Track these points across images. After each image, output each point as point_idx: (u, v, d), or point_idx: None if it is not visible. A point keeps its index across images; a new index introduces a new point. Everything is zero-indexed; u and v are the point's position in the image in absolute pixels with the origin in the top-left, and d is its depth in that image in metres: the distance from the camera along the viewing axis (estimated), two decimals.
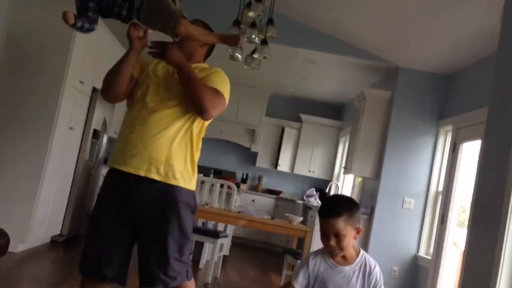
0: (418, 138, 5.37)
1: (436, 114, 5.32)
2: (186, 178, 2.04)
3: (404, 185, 5.32)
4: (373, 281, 1.85)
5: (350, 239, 1.83)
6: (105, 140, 5.64)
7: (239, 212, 4.58)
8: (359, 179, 6.46)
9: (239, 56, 4.11)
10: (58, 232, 4.75)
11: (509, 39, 2.70)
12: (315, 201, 7.12)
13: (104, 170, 6.49)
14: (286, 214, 4.65)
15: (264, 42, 4.03)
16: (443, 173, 5.08)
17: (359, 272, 1.86)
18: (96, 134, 5.29)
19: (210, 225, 4.77)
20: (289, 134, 8.17)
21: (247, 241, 7.38)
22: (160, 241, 1.99)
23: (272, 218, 4.52)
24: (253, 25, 3.96)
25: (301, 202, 7.29)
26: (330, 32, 5.22)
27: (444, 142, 5.27)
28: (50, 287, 3.28)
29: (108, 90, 2.09)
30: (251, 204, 7.45)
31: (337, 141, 8.06)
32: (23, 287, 3.11)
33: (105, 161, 6.98)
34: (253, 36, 3.96)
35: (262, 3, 3.86)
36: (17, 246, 3.94)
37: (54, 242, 4.65)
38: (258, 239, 7.45)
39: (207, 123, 2.13)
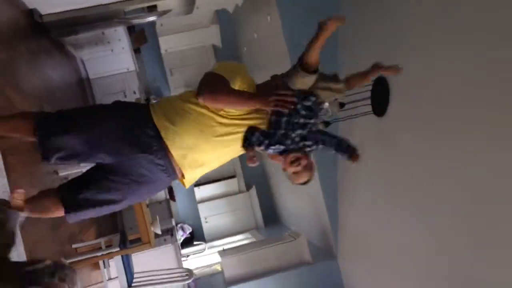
0: None
1: None
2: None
3: None
4: None
5: None
6: (150, 18, 5.57)
7: None
8: (218, 268, 6.41)
9: None
10: (43, 12, 4.59)
11: None
12: (180, 236, 7.04)
13: (120, 30, 6.39)
14: (157, 217, 4.57)
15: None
16: None
17: None
18: (152, 9, 5.24)
19: None
20: (231, 184, 8.15)
21: None
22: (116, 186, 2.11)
23: (148, 206, 4.45)
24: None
25: (173, 223, 7.20)
26: (339, 186, 5.31)
27: None
28: None
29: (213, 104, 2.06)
30: None
31: (244, 231, 8.04)
32: None
33: (129, 27, 6.87)
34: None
35: (338, 109, 3.97)
36: None
37: (30, 14, 4.48)
38: None
39: None
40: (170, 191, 7.82)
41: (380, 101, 3.88)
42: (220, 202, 8.08)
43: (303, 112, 2.12)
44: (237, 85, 2.06)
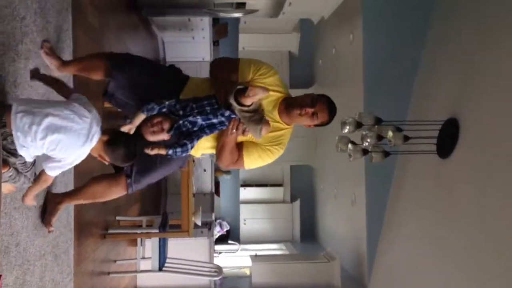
0: None
1: None
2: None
3: None
4: None
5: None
6: (237, 15, 5.69)
7: (194, 161, 4.59)
8: (246, 272, 6.43)
9: (346, 130, 4.11)
10: None
11: None
12: (217, 232, 7.11)
13: (205, 20, 6.54)
14: (200, 209, 4.65)
15: (364, 151, 4.03)
16: None
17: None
18: (240, 6, 5.35)
19: None
20: (276, 192, 8.16)
21: None
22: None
23: (194, 195, 4.53)
24: (379, 137, 3.97)
25: (213, 218, 7.28)
26: (386, 218, 5.20)
27: None
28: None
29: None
30: (201, 170, 7.43)
31: (280, 240, 8.01)
32: None
33: (214, 19, 7.02)
34: (368, 140, 3.96)
35: (403, 143, 3.87)
36: None
37: None
38: (166, 182, 7.44)
39: None
40: (217, 185, 7.92)
41: (447, 142, 3.75)
42: (262, 207, 8.09)
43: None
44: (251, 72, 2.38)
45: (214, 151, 2.47)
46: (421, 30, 4.35)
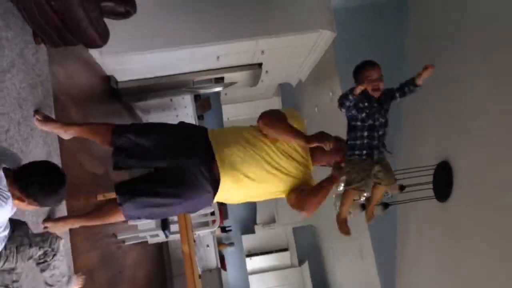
0: None
1: None
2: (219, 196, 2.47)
3: None
4: None
5: None
6: (216, 89, 5.81)
7: (194, 241, 4.52)
8: None
9: (341, 187, 4.09)
10: (118, 79, 4.92)
11: None
12: None
13: (187, 98, 6.67)
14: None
15: (363, 206, 4.00)
16: None
17: None
18: (218, 80, 5.46)
19: (172, 219, 4.72)
20: (283, 257, 8.00)
21: (166, 255, 7.23)
22: (166, 190, 2.38)
23: (200, 277, 4.40)
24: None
25: None
26: (398, 269, 5.09)
27: None
28: (68, 96, 3.38)
29: None
30: (204, 246, 7.32)
31: None
32: (61, 72, 3.22)
33: (195, 95, 7.18)
34: (365, 194, 3.95)
35: (399, 192, 3.86)
36: (94, 51, 4.13)
37: (107, 80, 4.80)
38: (173, 269, 7.27)
39: None
40: (222, 259, 7.76)
41: (442, 186, 3.75)
42: (272, 275, 7.89)
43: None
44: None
45: (282, 195, 2.54)
46: (399, 78, 4.47)
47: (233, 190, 2.40)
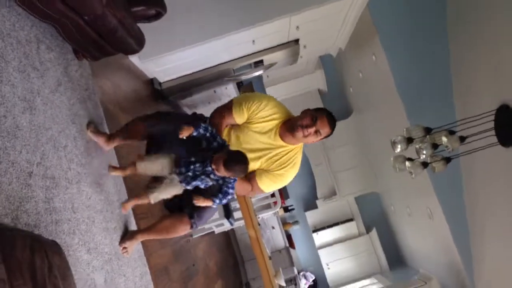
0: None
1: None
2: None
3: None
4: None
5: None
6: (257, 73, 5.81)
7: (259, 225, 4.57)
8: None
9: (398, 149, 4.00)
10: (161, 80, 5.01)
11: None
12: (304, 285, 6.95)
13: (230, 87, 6.72)
14: (280, 269, 4.59)
15: (424, 164, 3.90)
16: None
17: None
18: (258, 64, 5.44)
19: (233, 205, 4.81)
20: (350, 228, 8.00)
21: (234, 242, 7.37)
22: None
23: (270, 258, 4.47)
24: (435, 146, 3.84)
25: (295, 272, 7.14)
26: (469, 222, 4.93)
27: None
28: (116, 105, 3.48)
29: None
30: (269, 229, 7.41)
31: (369, 275, 7.73)
32: (105, 84, 3.32)
33: (238, 83, 7.21)
34: (425, 152, 3.85)
35: (460, 144, 3.73)
36: (133, 57, 4.22)
37: (151, 83, 4.90)
38: (242, 252, 7.42)
39: None
40: (289, 238, 7.83)
41: (506, 130, 3.59)
42: (341, 246, 7.88)
43: None
44: (245, 112, 2.55)
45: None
46: (439, 26, 4.29)
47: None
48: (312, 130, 2.46)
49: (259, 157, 2.57)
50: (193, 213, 2.62)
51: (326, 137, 2.57)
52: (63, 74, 2.49)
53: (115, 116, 3.24)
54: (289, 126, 2.52)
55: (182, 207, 2.63)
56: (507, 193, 3.93)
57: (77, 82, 2.64)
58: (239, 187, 2.55)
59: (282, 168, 2.58)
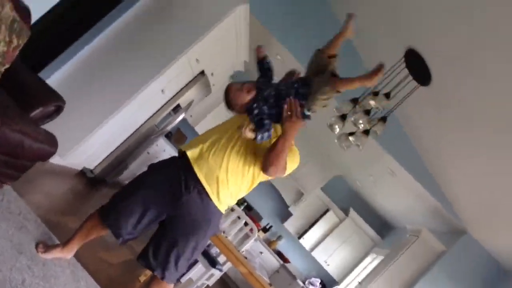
0: None
1: None
2: (223, 204, 2.41)
3: None
4: None
5: None
6: (180, 117, 5.77)
7: (246, 258, 4.49)
8: None
9: (337, 129, 4.08)
10: (91, 167, 4.86)
11: None
12: None
13: (160, 142, 6.65)
14: None
15: (366, 132, 3.99)
16: None
17: None
18: (176, 108, 5.41)
19: (214, 251, 4.71)
20: (330, 218, 8.00)
21: (232, 284, 7.22)
22: (180, 238, 2.32)
23: (270, 285, 4.38)
24: (367, 112, 3.95)
25: (301, 284, 7.08)
26: (427, 162, 5.10)
27: None
28: (56, 212, 3.33)
29: None
30: (258, 255, 7.31)
31: (367, 253, 7.79)
32: (37, 197, 3.18)
33: (167, 135, 7.14)
34: (361, 121, 3.94)
35: (388, 101, 3.85)
36: (54, 157, 4.06)
37: (82, 174, 4.75)
38: None
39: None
40: (280, 255, 7.76)
41: (420, 71, 3.74)
42: (329, 239, 7.90)
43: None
44: None
45: (255, 167, 2.41)
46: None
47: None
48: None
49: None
50: (166, 265, 2.35)
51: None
52: None
53: (60, 224, 3.09)
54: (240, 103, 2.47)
55: (149, 264, 2.38)
56: (443, 123, 4.10)
57: (7, 211, 2.50)
58: (286, 151, 2.36)
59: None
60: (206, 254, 4.25)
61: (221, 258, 4.74)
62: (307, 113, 2.46)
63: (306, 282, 7.20)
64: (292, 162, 2.47)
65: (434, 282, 5.14)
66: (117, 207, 2.38)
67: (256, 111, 2.36)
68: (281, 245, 8.10)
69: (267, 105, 2.37)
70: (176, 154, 2.58)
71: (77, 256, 2.73)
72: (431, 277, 5.17)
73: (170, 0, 4.44)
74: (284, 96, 2.36)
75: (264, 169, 2.34)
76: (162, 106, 5.18)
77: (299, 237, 7.94)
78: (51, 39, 4.06)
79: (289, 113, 2.30)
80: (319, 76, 2.44)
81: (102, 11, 4.21)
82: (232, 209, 4.88)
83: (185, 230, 2.32)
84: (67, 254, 2.55)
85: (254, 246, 7.26)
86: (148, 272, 3.34)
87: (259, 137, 2.28)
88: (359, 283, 5.98)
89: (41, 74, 4.07)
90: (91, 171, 4.86)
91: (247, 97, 2.39)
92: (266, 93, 2.40)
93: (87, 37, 4.17)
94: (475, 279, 5.11)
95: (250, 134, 2.26)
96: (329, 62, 2.50)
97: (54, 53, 4.11)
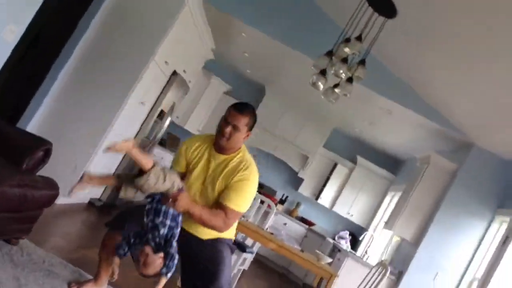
0: (470, 218, 5.19)
1: (497, 200, 5.13)
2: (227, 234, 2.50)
3: (442, 260, 5.14)
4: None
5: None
6: (167, 122, 5.76)
7: (272, 233, 4.55)
8: (396, 238, 6.30)
9: (321, 85, 4.08)
10: (98, 196, 4.88)
11: None
12: (346, 245, 6.99)
13: (156, 151, 6.64)
14: (317, 251, 4.59)
15: (349, 80, 3.99)
16: (486, 261, 4.87)
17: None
18: (161, 115, 5.41)
19: (240, 236, 4.75)
20: (340, 172, 8.05)
21: (267, 261, 7.31)
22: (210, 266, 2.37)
23: (302, 251, 4.45)
24: (344, 60, 3.94)
25: (331, 241, 7.17)
26: (417, 90, 5.12)
27: (496, 231, 5.05)
28: (78, 249, 3.36)
29: None
30: (283, 227, 7.39)
31: (385, 193, 7.87)
32: (55, 241, 3.20)
33: (160, 142, 7.14)
34: (341, 71, 3.93)
35: (361, 43, 3.84)
36: (59, 198, 4.07)
37: (91, 204, 4.77)
38: (279, 263, 7.37)
39: None
40: (304, 220, 7.84)
41: (384, 6, 3.73)
42: (346, 191, 7.97)
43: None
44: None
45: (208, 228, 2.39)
46: None
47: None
48: (228, 129, 2.36)
49: (214, 181, 2.41)
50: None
51: (249, 124, 2.44)
52: (13, 268, 2.37)
53: (86, 258, 3.12)
54: (215, 141, 2.45)
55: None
56: (419, 46, 4.10)
57: (30, 262, 2.52)
58: (214, 217, 2.31)
59: (238, 173, 2.38)
60: (235, 242, 4.29)
61: (249, 241, 4.80)
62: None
63: (336, 238, 7.28)
64: (242, 197, 2.39)
65: (456, 200, 5.21)
66: (122, 214, 2.58)
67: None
68: (302, 211, 8.17)
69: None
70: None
71: (111, 283, 2.76)
72: (451, 196, 5.24)
73: (122, 14, 4.40)
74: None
75: (219, 231, 2.40)
76: (147, 117, 5.17)
77: (316, 198, 8.01)
78: (18, 87, 4.05)
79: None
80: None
81: (58, 44, 4.19)
82: None
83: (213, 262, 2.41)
84: (101, 286, 2.58)
85: (276, 220, 7.32)
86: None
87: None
88: (386, 222, 6.06)
89: (20, 124, 4.06)
90: (99, 199, 4.88)
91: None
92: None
93: (52, 74, 4.16)
94: (494, 185, 5.17)
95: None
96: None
97: (25, 100, 4.11)
